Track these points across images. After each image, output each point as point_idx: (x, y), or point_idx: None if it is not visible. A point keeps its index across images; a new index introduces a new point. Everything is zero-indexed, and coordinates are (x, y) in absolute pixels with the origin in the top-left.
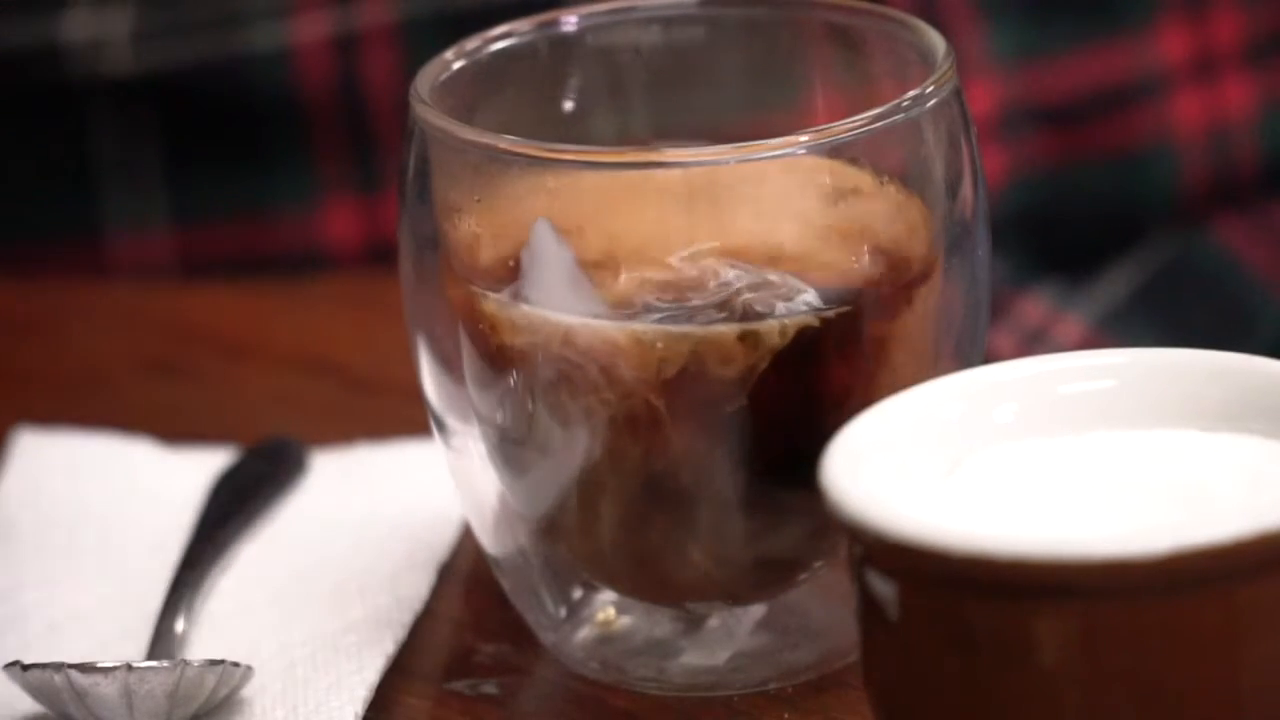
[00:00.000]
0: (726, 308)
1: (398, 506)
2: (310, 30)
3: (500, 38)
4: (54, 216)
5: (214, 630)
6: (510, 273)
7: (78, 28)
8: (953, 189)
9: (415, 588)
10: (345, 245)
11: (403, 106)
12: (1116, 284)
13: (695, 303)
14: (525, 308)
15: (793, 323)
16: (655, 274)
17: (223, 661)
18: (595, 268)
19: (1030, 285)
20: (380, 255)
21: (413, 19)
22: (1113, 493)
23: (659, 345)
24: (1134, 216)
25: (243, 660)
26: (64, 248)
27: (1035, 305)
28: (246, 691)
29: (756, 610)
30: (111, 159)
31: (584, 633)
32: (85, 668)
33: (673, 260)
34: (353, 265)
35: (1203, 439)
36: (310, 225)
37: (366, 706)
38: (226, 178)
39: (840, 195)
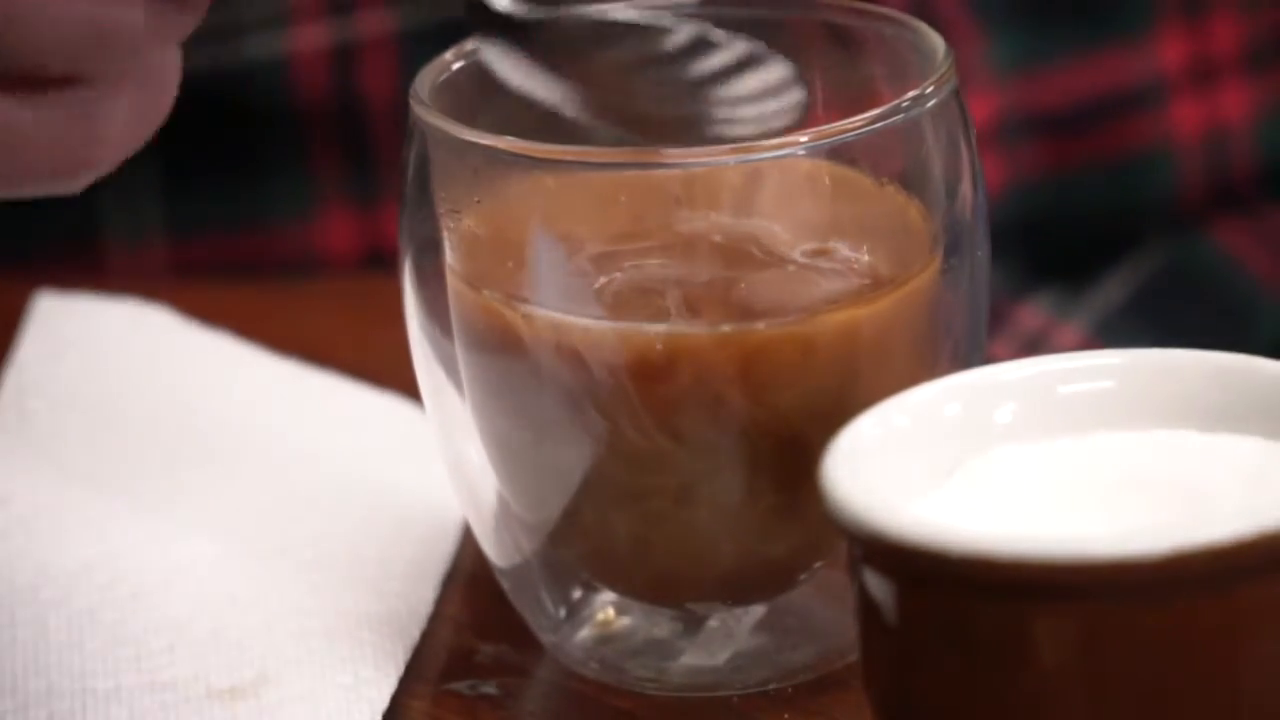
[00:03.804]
0: (726, 309)
1: (398, 508)
2: (308, 40)
3: None
4: (50, 226)
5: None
6: (510, 273)
7: None
8: (952, 190)
9: (418, 591)
10: (342, 255)
11: (400, 116)
12: (1114, 291)
13: (695, 304)
14: (525, 309)
15: (792, 324)
16: (654, 275)
17: None
18: (595, 269)
19: (1028, 294)
20: (377, 265)
21: (410, 29)
22: (1113, 493)
23: (658, 346)
24: (1132, 223)
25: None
26: (60, 257)
27: (1033, 314)
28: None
29: (756, 610)
30: None
31: (584, 633)
32: None
33: (672, 261)
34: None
35: (1202, 439)
36: (307, 235)
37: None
38: (223, 187)
39: (839, 196)
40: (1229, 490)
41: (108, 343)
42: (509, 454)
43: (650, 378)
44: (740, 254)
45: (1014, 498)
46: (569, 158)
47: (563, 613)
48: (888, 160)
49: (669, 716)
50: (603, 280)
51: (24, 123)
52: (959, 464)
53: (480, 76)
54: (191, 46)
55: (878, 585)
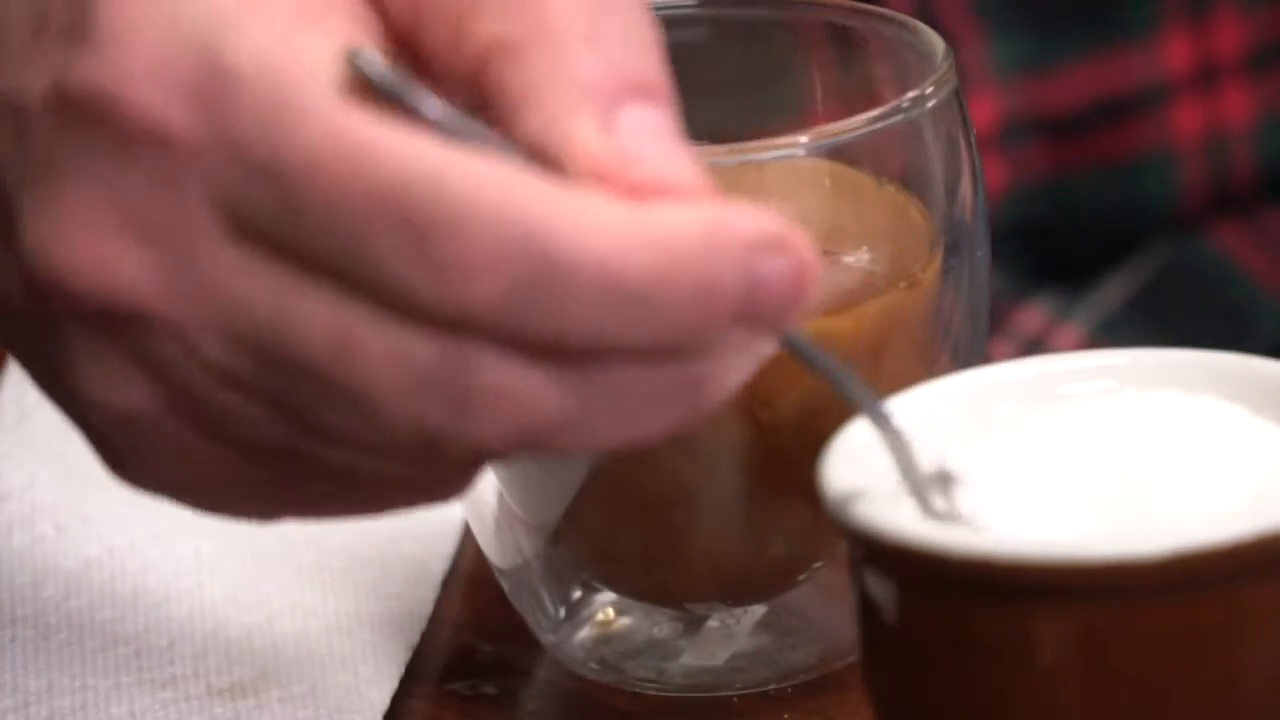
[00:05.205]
0: None
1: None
2: None
3: None
4: None
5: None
6: None
7: None
8: (952, 190)
9: (418, 592)
10: None
11: None
12: (1114, 292)
13: None
14: None
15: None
16: None
17: None
18: None
19: (1029, 297)
20: None
21: None
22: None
23: None
24: (1132, 226)
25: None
26: None
27: (1033, 316)
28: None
29: (756, 610)
30: None
31: (583, 633)
32: None
33: None
34: None
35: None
36: None
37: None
38: None
39: (840, 196)
40: (1229, 491)
41: None
42: None
43: None
44: None
45: (1014, 498)
46: None
47: (563, 613)
48: (888, 160)
49: (669, 716)
50: None
51: None
52: (959, 464)
53: None
54: None
55: (878, 586)
